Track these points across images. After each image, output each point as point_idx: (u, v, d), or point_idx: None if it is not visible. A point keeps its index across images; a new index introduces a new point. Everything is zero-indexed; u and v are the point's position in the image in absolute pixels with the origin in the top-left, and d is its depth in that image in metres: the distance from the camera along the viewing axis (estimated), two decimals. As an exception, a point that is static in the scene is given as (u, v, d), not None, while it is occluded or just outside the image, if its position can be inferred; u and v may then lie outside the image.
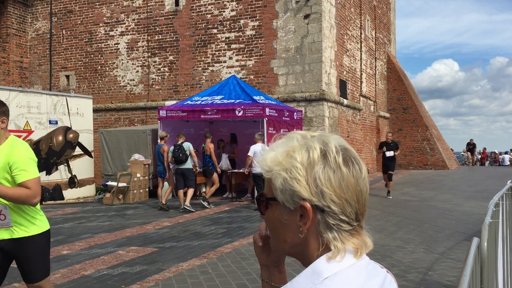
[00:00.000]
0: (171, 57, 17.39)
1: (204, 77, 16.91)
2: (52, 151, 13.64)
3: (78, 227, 9.37)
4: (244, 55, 16.33)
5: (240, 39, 16.37)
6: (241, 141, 14.28)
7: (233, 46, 16.47)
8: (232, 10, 16.45)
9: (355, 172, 0.97)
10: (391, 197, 13.41)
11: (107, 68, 18.45)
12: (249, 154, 11.46)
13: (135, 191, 13.22)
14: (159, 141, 12.84)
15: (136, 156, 13.60)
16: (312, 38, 15.50)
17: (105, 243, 7.84)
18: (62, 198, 13.59)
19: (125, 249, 7.33)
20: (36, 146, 13.21)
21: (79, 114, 14.48)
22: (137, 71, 17.97)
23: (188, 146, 11.36)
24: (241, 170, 13.36)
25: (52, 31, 19.24)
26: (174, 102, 15.91)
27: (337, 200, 0.95)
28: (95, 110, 16.59)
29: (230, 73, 16.05)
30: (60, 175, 13.89)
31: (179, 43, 17.23)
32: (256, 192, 12.16)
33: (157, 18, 17.55)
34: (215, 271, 6.06)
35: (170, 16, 17.35)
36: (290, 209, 0.97)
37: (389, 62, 25.78)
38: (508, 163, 32.34)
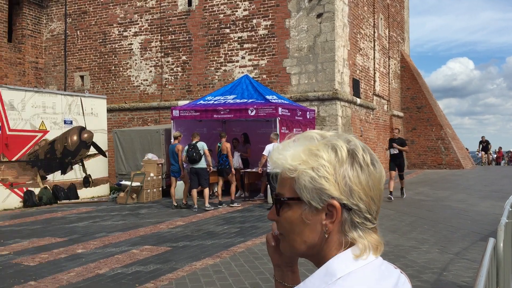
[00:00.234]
0: (184, 57, 17.45)
1: (216, 77, 16.95)
2: (67, 151, 13.78)
3: (93, 226, 9.45)
4: (257, 55, 16.33)
5: (253, 38, 16.37)
6: (253, 141, 14.28)
7: (245, 45, 16.48)
8: (244, 10, 16.46)
9: (378, 170, 0.98)
10: (405, 196, 13.21)
11: (121, 69, 18.58)
12: (264, 153, 11.45)
13: (148, 191, 13.30)
14: (172, 140, 12.93)
15: (150, 155, 13.68)
16: (325, 37, 15.45)
17: (119, 242, 7.90)
18: (77, 197, 13.72)
19: (139, 248, 7.38)
20: (51, 146, 13.36)
21: (93, 114, 14.60)
22: (151, 71, 18.07)
23: (202, 146, 11.42)
24: (254, 170, 13.38)
25: (67, 32, 19.43)
26: (187, 102, 15.97)
27: (365, 198, 0.95)
28: (109, 110, 16.72)
29: (242, 72, 16.06)
30: (74, 174, 14.03)
31: (192, 43, 17.28)
32: (269, 191, 12.15)
33: (170, 18, 17.63)
34: (228, 270, 6.07)
35: (183, 16, 17.42)
36: (316, 208, 0.95)
37: (403, 61, 25.58)
38: (524, 162, 31.87)
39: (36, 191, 12.84)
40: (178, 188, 12.56)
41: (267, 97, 12.91)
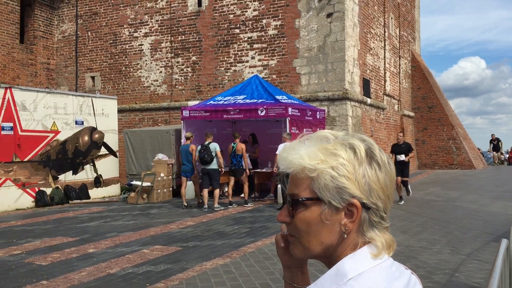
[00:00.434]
0: (194, 58, 17.50)
1: (226, 77, 16.97)
2: (78, 151, 13.88)
3: (104, 226, 9.51)
4: (267, 55, 16.33)
5: (263, 38, 16.37)
6: (263, 141, 14.28)
7: (255, 45, 16.49)
8: (254, 10, 16.46)
9: (393, 169, 0.99)
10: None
11: (131, 69, 18.68)
12: (277, 153, 11.42)
13: (159, 191, 13.36)
14: (182, 141, 13.01)
15: (160, 156, 13.73)
16: (335, 37, 15.40)
17: (130, 241, 7.94)
18: (88, 197, 13.82)
19: (150, 248, 7.41)
20: (62, 146, 13.46)
21: (104, 114, 14.70)
22: (161, 72, 18.15)
23: (214, 147, 11.47)
24: (263, 170, 13.38)
25: (78, 33, 19.58)
26: (197, 102, 16.01)
27: (383, 196, 0.96)
28: (119, 111, 16.81)
29: (252, 72, 16.07)
30: (86, 174, 14.13)
31: (202, 43, 17.33)
32: (280, 191, 12.14)
33: (180, 19, 17.69)
34: (238, 270, 6.08)
35: (193, 17, 17.47)
36: (336, 208, 0.95)
37: (414, 60, 25.43)
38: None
39: (48, 191, 12.95)
40: (188, 188, 12.60)
41: (277, 97, 12.90)
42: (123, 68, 18.83)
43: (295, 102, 13.46)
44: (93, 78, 19.47)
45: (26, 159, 12.49)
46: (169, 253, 7.07)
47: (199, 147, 11.58)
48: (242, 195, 13.48)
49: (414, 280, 1.01)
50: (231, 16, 16.82)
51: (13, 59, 18.31)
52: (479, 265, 6.34)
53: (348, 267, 0.94)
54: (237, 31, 16.74)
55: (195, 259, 6.68)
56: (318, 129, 13.72)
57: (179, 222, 9.80)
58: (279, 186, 12.25)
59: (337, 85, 15.42)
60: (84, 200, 13.51)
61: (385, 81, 20.42)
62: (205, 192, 11.62)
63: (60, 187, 13.26)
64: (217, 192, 11.66)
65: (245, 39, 16.63)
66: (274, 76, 16.20)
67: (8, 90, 12.09)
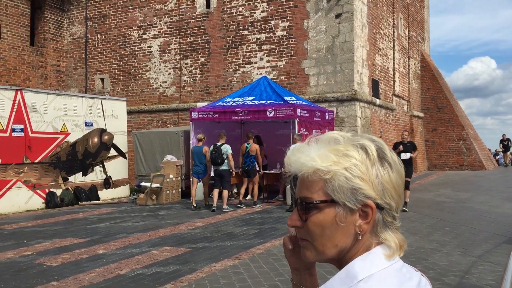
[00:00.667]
0: (202, 59, 17.54)
1: (235, 78, 16.99)
2: (88, 153, 13.96)
3: (113, 227, 9.55)
4: (275, 56, 16.33)
5: (271, 40, 16.37)
6: (272, 142, 14.27)
7: (264, 47, 16.49)
8: (262, 11, 16.47)
9: (403, 169, 1.00)
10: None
11: (140, 71, 18.76)
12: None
13: (168, 192, 13.39)
14: (191, 142, 13.08)
15: (169, 157, 13.77)
16: (344, 38, 15.36)
17: (139, 243, 7.97)
18: (98, 199, 13.89)
19: (159, 249, 7.43)
20: (72, 147, 13.55)
21: (113, 116, 14.77)
22: (169, 73, 18.21)
23: (226, 150, 11.50)
24: (272, 171, 13.37)
25: (87, 35, 19.70)
26: (206, 103, 16.04)
27: (396, 196, 0.96)
28: (128, 112, 16.89)
29: (261, 74, 16.07)
30: (95, 176, 14.20)
31: (210, 45, 17.36)
32: (288, 193, 12.12)
33: (189, 20, 17.74)
34: (247, 271, 6.07)
35: (201, 18, 17.51)
36: (351, 210, 0.94)
37: (423, 61, 25.30)
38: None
39: (58, 192, 13.04)
40: (198, 189, 12.63)
41: (286, 98, 12.89)
42: (132, 70, 18.92)
43: (304, 103, 13.43)
44: (102, 80, 19.58)
45: (36, 161, 12.59)
46: (178, 254, 7.08)
47: (211, 148, 11.63)
48: (249, 197, 13.48)
49: (425, 282, 1.00)
50: (240, 17, 16.84)
51: (24, 62, 18.47)
52: (491, 267, 6.28)
53: (358, 269, 0.94)
54: (246, 32, 16.76)
55: (204, 260, 6.69)
56: (327, 130, 13.69)
57: (188, 223, 9.82)
58: (288, 187, 12.24)
59: (345, 86, 15.38)
60: (93, 202, 13.58)
61: (394, 81, 20.33)
62: (216, 192, 11.71)
63: (70, 189, 13.34)
64: (226, 193, 11.67)
65: (254, 40, 16.64)
66: (282, 77, 16.19)
67: (19, 92, 12.19)
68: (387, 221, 0.97)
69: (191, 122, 13.57)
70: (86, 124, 13.92)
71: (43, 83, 19.16)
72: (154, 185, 13.05)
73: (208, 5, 17.38)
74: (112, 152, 14.67)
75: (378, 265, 0.94)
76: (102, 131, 14.34)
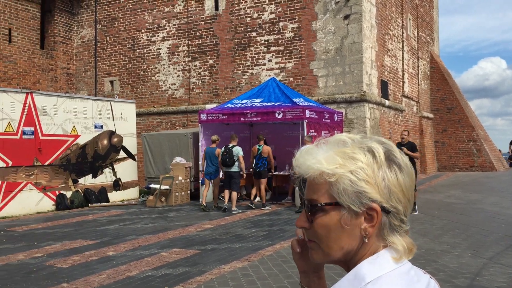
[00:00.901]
0: (211, 61, 17.58)
1: (243, 80, 17.01)
2: (98, 155, 14.04)
3: (123, 229, 9.59)
4: (284, 57, 16.33)
5: (279, 41, 16.37)
6: (280, 144, 14.25)
7: (272, 48, 16.49)
8: (271, 13, 16.48)
9: (413, 172, 0.98)
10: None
11: (149, 73, 18.85)
12: None
13: (177, 194, 13.43)
14: (200, 144, 13.14)
15: (178, 159, 13.81)
16: (352, 39, 15.33)
17: (148, 244, 7.99)
18: (107, 201, 13.96)
19: (168, 251, 7.45)
20: (82, 150, 13.64)
21: (123, 118, 14.84)
22: (178, 76, 18.27)
23: (237, 152, 11.55)
24: (281, 173, 13.36)
25: (97, 38, 19.83)
26: (215, 105, 16.07)
27: (403, 199, 0.95)
28: (138, 114, 16.97)
29: (269, 75, 16.08)
30: (105, 178, 14.28)
31: (219, 47, 17.40)
32: (297, 194, 12.10)
33: (197, 23, 17.80)
34: (256, 273, 6.07)
35: (210, 21, 17.56)
36: (356, 213, 0.94)
37: (433, 61, 25.16)
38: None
39: (68, 194, 13.12)
40: (210, 190, 12.71)
41: (294, 99, 12.88)
42: (141, 72, 19.01)
43: (313, 104, 13.41)
44: (111, 82, 19.69)
45: (46, 163, 12.68)
46: (187, 256, 7.10)
47: (222, 149, 11.67)
48: (257, 199, 13.44)
49: (433, 284, 1.00)
50: (248, 19, 16.87)
51: (34, 65, 18.63)
52: (501, 269, 6.22)
53: (366, 271, 0.93)
54: (254, 34, 16.77)
55: (213, 262, 6.70)
56: (336, 131, 13.66)
57: (197, 225, 9.83)
58: (296, 188, 12.22)
59: (354, 87, 15.33)
60: (103, 203, 13.65)
61: (403, 82, 20.24)
62: (227, 192, 11.81)
63: (80, 191, 13.43)
64: (234, 195, 11.69)
65: (262, 42, 16.65)
66: (291, 79, 16.18)
67: (29, 95, 12.30)
68: (394, 225, 0.95)
69: (200, 124, 13.60)
70: (95, 127, 14.00)
71: (53, 86, 19.30)
72: (163, 187, 13.09)
73: (216, 7, 17.42)
74: (122, 154, 14.74)
75: (386, 268, 0.93)
76: (112, 133, 14.41)
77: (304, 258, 1.08)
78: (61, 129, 13.04)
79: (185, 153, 14.19)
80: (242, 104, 13.39)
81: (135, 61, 19.10)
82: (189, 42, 17.97)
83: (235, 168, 11.62)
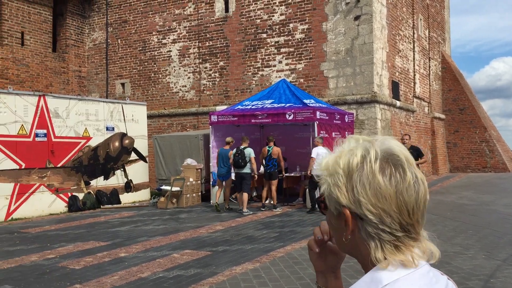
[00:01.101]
0: (221, 63, 17.62)
1: (254, 82, 17.02)
2: (109, 157, 14.13)
3: (135, 230, 9.64)
4: (294, 59, 16.31)
5: (290, 42, 16.36)
6: (291, 145, 14.25)
7: (282, 50, 16.49)
8: (281, 15, 16.48)
9: (395, 180, 0.93)
10: None
11: (160, 75, 18.94)
12: (312, 155, 11.40)
13: (188, 195, 13.47)
14: (211, 145, 13.20)
15: (189, 161, 13.85)
16: (363, 40, 15.27)
17: (160, 246, 8.02)
18: (119, 202, 14.04)
19: (180, 252, 7.47)
20: (94, 152, 13.73)
21: (134, 120, 14.93)
22: (189, 77, 18.33)
23: (249, 153, 11.62)
24: (292, 174, 13.35)
25: (108, 41, 19.97)
26: (225, 107, 16.10)
27: (374, 210, 0.93)
28: (149, 116, 17.06)
29: (280, 77, 16.07)
30: (117, 179, 14.36)
31: (229, 48, 17.44)
32: (309, 193, 12.07)
33: (208, 25, 17.85)
34: (268, 275, 6.07)
35: (220, 23, 17.60)
36: (336, 215, 0.98)
37: (444, 62, 24.98)
38: None
39: (80, 196, 13.22)
40: (216, 191, 12.73)
41: (305, 101, 12.86)
42: (152, 75, 19.10)
43: (323, 105, 13.38)
44: (123, 84, 19.82)
45: (59, 165, 12.79)
46: (199, 258, 7.11)
47: (234, 151, 11.71)
48: (267, 201, 13.40)
49: (451, 286, 1.00)
50: (258, 21, 16.88)
51: (46, 68, 18.80)
52: (516, 271, 6.15)
53: (383, 274, 0.93)
54: (264, 35, 16.79)
55: (225, 263, 6.70)
56: (346, 132, 13.61)
57: (208, 227, 9.85)
58: (307, 190, 12.19)
59: (365, 88, 15.28)
60: (115, 205, 13.73)
61: (414, 83, 20.12)
62: (239, 195, 11.90)
63: (92, 192, 13.52)
64: (246, 196, 11.71)
65: (272, 43, 16.65)
66: (301, 80, 16.16)
67: (42, 98, 12.42)
68: (370, 233, 0.94)
69: (210, 126, 13.64)
70: (107, 129, 14.09)
71: (65, 88, 19.47)
72: (175, 188, 13.14)
73: (227, 9, 17.46)
74: (133, 156, 14.82)
75: (403, 270, 0.93)
76: (123, 135, 14.50)
77: (322, 258, 1.10)
78: (73, 131, 13.15)
79: (195, 154, 14.23)
80: (253, 105, 13.40)
81: (146, 63, 19.21)
82: (200, 44, 18.03)
83: (246, 170, 11.67)
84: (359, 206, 0.93)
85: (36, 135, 12.20)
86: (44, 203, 12.37)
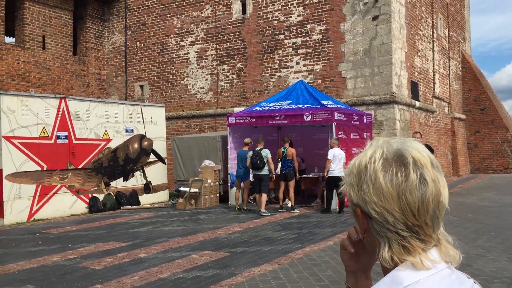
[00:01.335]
0: (239, 64, 17.67)
1: (271, 83, 17.02)
2: (129, 158, 14.27)
3: (154, 231, 9.72)
4: (311, 60, 16.27)
5: (307, 43, 16.33)
6: (309, 146, 14.21)
7: (300, 51, 16.46)
8: (298, 15, 16.46)
9: (396, 181, 0.94)
10: None
11: (178, 77, 19.07)
12: (328, 157, 11.38)
13: (206, 197, 13.53)
14: (228, 147, 13.25)
15: (207, 162, 13.91)
16: (381, 40, 15.16)
17: (179, 247, 8.08)
18: (138, 203, 14.17)
19: (199, 253, 7.51)
20: (114, 153, 13.89)
21: (152, 122, 15.06)
22: (207, 79, 18.42)
23: (266, 153, 11.69)
24: (310, 175, 13.31)
25: (127, 43, 20.19)
26: (243, 108, 16.13)
27: (376, 208, 0.95)
28: (167, 118, 17.18)
29: (297, 78, 16.04)
30: (136, 181, 14.50)
31: (246, 50, 17.48)
32: (326, 195, 12.02)
33: (225, 26, 17.92)
34: (286, 276, 6.06)
35: (237, 24, 17.65)
36: (353, 213, 1.03)
37: (464, 61, 24.64)
38: None
39: (101, 197, 13.38)
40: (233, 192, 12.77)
41: (323, 102, 12.81)
42: (170, 77, 19.25)
43: (341, 106, 13.32)
44: (141, 87, 20.01)
45: (80, 167, 12.97)
46: (217, 259, 7.14)
47: (250, 153, 11.74)
48: (285, 202, 13.40)
49: None
50: (276, 22, 16.89)
51: (67, 71, 19.09)
52: (540, 274, 6.04)
53: (404, 275, 0.93)
54: (282, 37, 16.78)
55: (243, 264, 6.72)
56: (364, 133, 13.53)
57: (226, 228, 9.88)
58: (324, 191, 12.14)
59: (384, 88, 15.16)
60: (134, 206, 13.87)
61: (434, 83, 19.89)
62: (258, 196, 11.91)
63: (112, 194, 13.67)
64: (264, 197, 11.75)
65: (290, 44, 16.64)
66: (319, 81, 16.11)
67: (63, 101, 12.61)
68: (378, 231, 0.97)
69: (228, 127, 13.68)
70: (126, 131, 14.24)
71: (85, 91, 19.74)
72: (193, 190, 13.21)
73: (244, 11, 17.51)
74: (152, 157, 14.95)
75: (424, 272, 0.93)
76: (142, 137, 14.63)
77: (354, 258, 1.09)
78: (94, 133, 13.32)
79: (214, 156, 14.28)
80: (270, 107, 13.41)
81: (164, 65, 19.36)
82: (217, 46, 18.11)
83: (265, 171, 11.71)
84: (365, 204, 0.97)
85: (58, 137, 12.40)
86: (65, 204, 12.55)
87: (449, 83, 22.17)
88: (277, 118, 12.85)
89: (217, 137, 14.53)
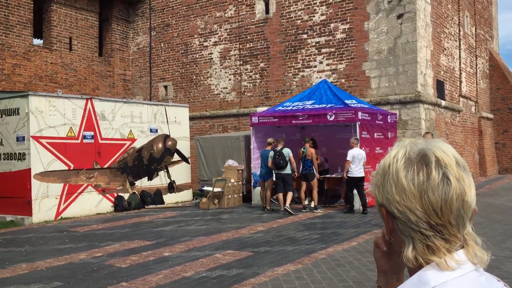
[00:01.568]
0: (262, 64, 17.68)
1: (294, 83, 16.99)
2: (153, 158, 14.43)
3: (178, 230, 9.81)
4: (335, 59, 16.17)
5: (331, 43, 16.24)
6: (332, 146, 14.12)
7: (323, 50, 16.38)
8: (322, 15, 16.38)
9: (417, 180, 0.94)
10: None
11: (202, 78, 19.19)
12: (348, 158, 11.32)
13: (229, 196, 13.58)
14: (252, 147, 13.28)
15: (230, 162, 13.95)
16: (406, 38, 14.97)
17: (203, 246, 8.13)
18: (163, 202, 14.31)
19: (222, 253, 7.55)
20: (138, 153, 14.07)
21: (176, 122, 15.19)
22: (230, 79, 18.49)
23: (287, 152, 11.70)
24: (333, 175, 13.23)
25: (152, 44, 20.41)
26: (266, 108, 16.13)
27: (399, 207, 0.96)
28: (191, 118, 17.30)
29: (320, 77, 15.96)
30: (160, 180, 14.66)
31: (269, 50, 17.47)
32: (347, 195, 11.93)
33: (248, 26, 17.95)
34: (310, 277, 6.04)
35: (260, 24, 17.67)
36: (380, 213, 1.02)
37: (492, 60, 24.13)
38: None
39: (126, 196, 13.57)
40: (256, 193, 12.78)
41: (346, 101, 12.72)
42: (194, 77, 19.38)
43: (365, 106, 13.20)
44: (165, 87, 20.20)
45: (105, 166, 13.17)
46: (240, 258, 7.16)
47: (272, 153, 11.75)
48: (307, 201, 13.34)
49: None
50: (299, 21, 16.84)
51: (93, 72, 19.41)
52: None
53: (431, 275, 0.92)
54: (305, 36, 16.73)
55: (267, 264, 6.72)
56: (389, 133, 13.38)
57: (249, 228, 9.91)
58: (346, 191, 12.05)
59: (409, 87, 14.97)
60: (158, 205, 14.01)
61: (460, 82, 19.54)
62: (280, 196, 11.92)
63: (136, 193, 13.85)
64: (290, 194, 11.87)
65: (313, 44, 16.57)
66: (342, 80, 16.01)
67: (89, 101, 12.83)
68: (402, 231, 0.97)
69: (251, 127, 13.71)
70: (151, 131, 14.40)
71: (111, 91, 20.03)
72: (216, 189, 13.28)
73: (267, 10, 17.51)
74: (176, 157, 15.08)
75: (451, 273, 0.92)
76: (166, 137, 14.78)
77: (386, 258, 1.08)
78: (119, 133, 13.51)
79: (237, 156, 14.32)
80: (293, 106, 13.38)
81: (188, 66, 19.51)
82: (240, 46, 18.16)
83: (287, 171, 11.73)
84: (389, 204, 0.97)
85: (84, 137, 12.62)
86: (92, 203, 12.77)
87: (476, 81, 21.75)
88: (300, 118, 12.81)
89: (240, 137, 14.57)
